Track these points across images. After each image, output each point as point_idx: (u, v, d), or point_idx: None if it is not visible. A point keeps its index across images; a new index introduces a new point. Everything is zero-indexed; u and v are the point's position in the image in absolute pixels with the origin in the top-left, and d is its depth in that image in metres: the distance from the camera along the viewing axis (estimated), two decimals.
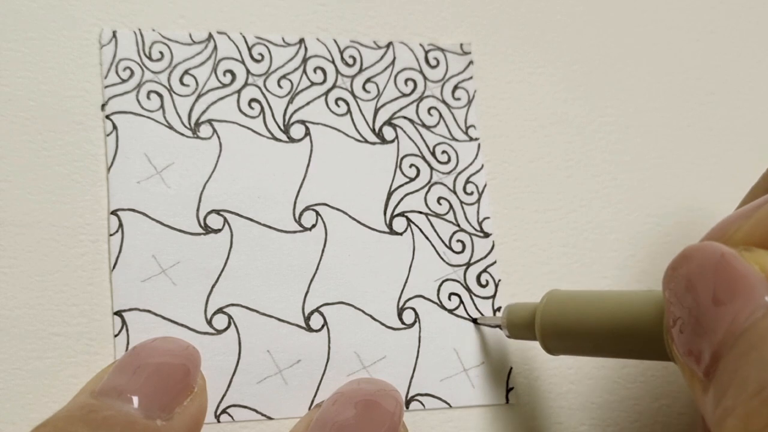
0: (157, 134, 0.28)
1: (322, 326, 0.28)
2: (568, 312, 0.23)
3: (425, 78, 0.31)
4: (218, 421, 0.26)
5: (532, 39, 0.33)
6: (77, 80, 0.28)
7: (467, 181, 0.31)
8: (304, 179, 0.29)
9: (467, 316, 0.29)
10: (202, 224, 0.28)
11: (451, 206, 0.30)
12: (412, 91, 0.31)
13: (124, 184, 0.27)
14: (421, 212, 0.30)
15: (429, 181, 0.30)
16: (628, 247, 0.32)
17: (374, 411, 0.24)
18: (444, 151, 0.31)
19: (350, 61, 0.31)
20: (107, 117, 0.28)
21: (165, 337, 0.26)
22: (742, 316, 0.15)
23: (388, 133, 0.30)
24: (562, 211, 0.32)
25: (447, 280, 0.29)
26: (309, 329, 0.28)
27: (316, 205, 0.29)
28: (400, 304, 0.29)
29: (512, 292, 0.30)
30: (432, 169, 0.30)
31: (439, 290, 0.29)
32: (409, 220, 0.30)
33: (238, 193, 0.28)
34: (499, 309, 0.29)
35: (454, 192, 0.30)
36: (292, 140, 0.29)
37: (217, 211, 0.28)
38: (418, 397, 0.28)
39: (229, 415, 0.26)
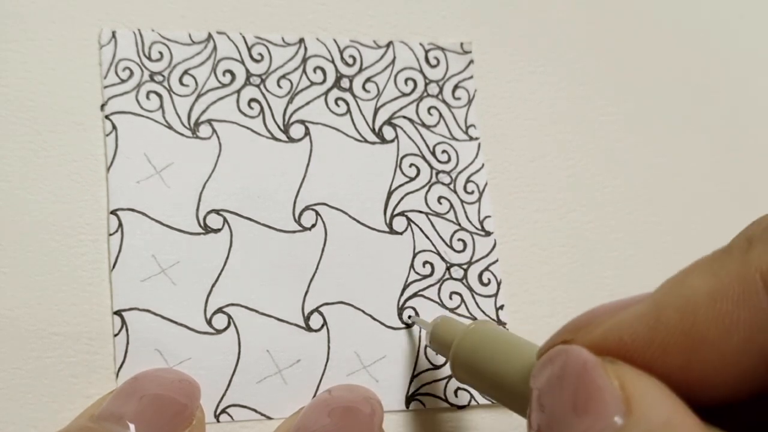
0: (156, 134, 0.28)
1: (322, 326, 0.28)
2: (481, 352, 0.23)
3: (425, 77, 0.31)
4: (218, 421, 0.26)
5: (533, 38, 0.33)
6: (77, 80, 0.28)
7: (468, 181, 0.31)
8: (303, 179, 0.29)
9: (469, 315, 0.29)
10: (202, 224, 0.28)
11: (451, 205, 0.30)
12: (412, 91, 0.31)
13: (123, 183, 0.27)
14: (421, 211, 0.30)
15: (429, 181, 0.30)
16: (628, 247, 0.32)
17: (351, 418, 0.24)
18: (444, 151, 0.31)
19: (350, 61, 0.31)
20: (107, 117, 0.28)
21: (168, 368, 0.26)
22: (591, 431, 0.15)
23: (388, 132, 0.30)
24: (562, 211, 0.31)
25: (448, 279, 0.29)
26: (309, 329, 0.28)
27: (315, 204, 0.29)
28: (400, 304, 0.29)
29: (512, 291, 0.30)
30: (432, 168, 0.30)
31: (440, 289, 0.29)
32: (409, 219, 0.30)
33: (238, 193, 0.28)
34: (501, 307, 0.29)
35: (455, 191, 0.30)
36: (291, 140, 0.29)
37: (217, 211, 0.28)
38: (418, 397, 0.28)
39: (229, 414, 0.26)
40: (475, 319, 0.29)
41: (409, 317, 0.28)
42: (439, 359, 0.28)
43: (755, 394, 0.16)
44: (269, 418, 0.27)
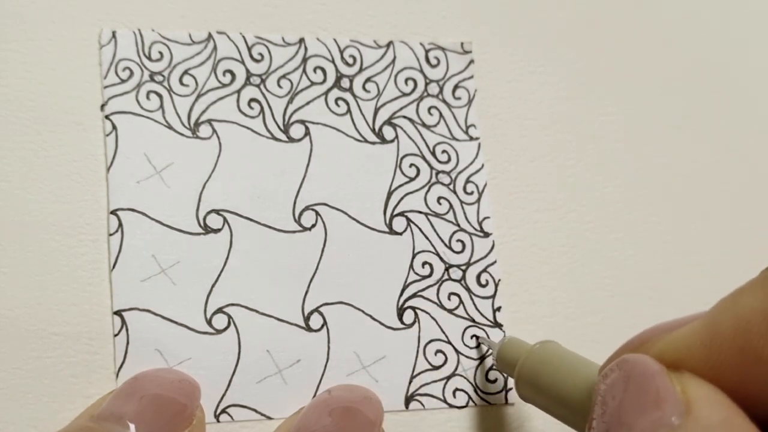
0: (156, 134, 0.28)
1: (322, 326, 0.28)
2: (544, 370, 0.24)
3: (425, 77, 0.31)
4: (218, 421, 0.26)
5: (533, 38, 0.33)
6: (77, 80, 0.28)
7: (467, 181, 0.31)
8: (303, 179, 0.29)
9: (466, 316, 0.29)
10: (202, 224, 0.28)
11: (451, 206, 0.30)
12: (413, 91, 0.31)
13: (123, 183, 0.27)
14: (420, 212, 0.30)
15: (429, 181, 0.30)
16: (628, 247, 0.32)
17: (352, 418, 0.24)
18: (444, 151, 0.31)
19: (350, 61, 0.31)
20: (107, 117, 0.28)
21: (168, 368, 0.26)
22: (648, 429, 0.16)
23: (388, 132, 0.30)
24: (562, 211, 0.31)
25: (447, 280, 0.29)
26: (309, 329, 0.28)
27: (315, 204, 0.29)
28: (400, 304, 0.29)
29: (512, 292, 0.30)
30: (432, 168, 0.30)
31: (438, 290, 0.29)
32: (408, 219, 0.30)
33: (238, 192, 0.28)
34: (499, 309, 0.29)
35: (454, 192, 0.30)
36: (291, 140, 0.29)
37: (217, 211, 0.28)
38: (417, 397, 0.28)
39: (229, 414, 0.26)
40: (473, 320, 0.29)
41: (477, 337, 0.29)
42: (438, 360, 0.28)
43: None
44: (269, 418, 0.27)
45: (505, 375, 0.28)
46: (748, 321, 0.16)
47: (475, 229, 0.30)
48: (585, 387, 0.21)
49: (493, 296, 0.30)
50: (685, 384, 0.16)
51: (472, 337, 0.29)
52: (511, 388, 0.29)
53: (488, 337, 0.29)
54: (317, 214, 0.29)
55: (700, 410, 0.16)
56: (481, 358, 0.29)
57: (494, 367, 0.28)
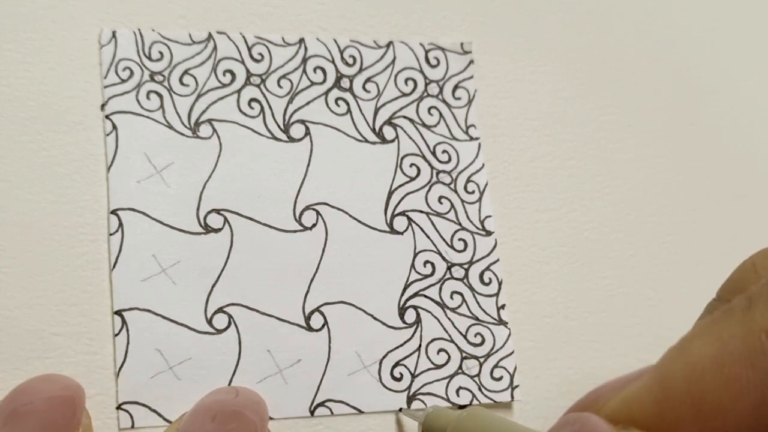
0: (156, 134, 0.28)
1: (323, 326, 0.28)
2: None
3: (425, 77, 0.31)
4: None
5: (533, 38, 0.33)
6: (77, 80, 0.28)
7: (468, 180, 0.31)
8: (304, 179, 0.29)
9: (470, 314, 0.29)
10: (202, 224, 0.28)
11: (452, 205, 0.30)
12: (413, 91, 0.31)
13: (123, 183, 0.27)
14: (422, 211, 0.30)
15: (430, 181, 0.30)
16: (628, 247, 0.32)
17: (234, 422, 0.24)
18: (444, 151, 0.31)
19: (350, 61, 0.31)
20: (107, 117, 0.28)
21: (48, 377, 0.24)
22: None
23: (389, 132, 0.30)
24: (562, 211, 0.31)
25: (449, 278, 0.29)
26: (309, 329, 0.28)
27: (316, 204, 0.29)
28: (401, 304, 0.29)
29: (512, 292, 0.30)
30: (432, 168, 0.30)
31: (440, 289, 0.29)
32: (410, 219, 0.30)
33: (238, 192, 0.28)
34: (503, 307, 0.29)
35: (455, 191, 0.30)
36: (292, 140, 0.29)
37: (217, 211, 0.28)
38: (420, 396, 0.28)
39: None
40: (477, 318, 0.29)
41: (400, 409, 0.28)
42: (441, 359, 0.28)
43: None
44: (270, 418, 0.26)
45: None
46: (700, 370, 0.15)
47: (477, 228, 0.30)
48: None
49: (497, 294, 0.29)
50: None
51: (476, 335, 0.29)
52: (517, 386, 0.29)
53: (409, 410, 0.28)
54: (318, 213, 0.29)
55: None
56: (487, 356, 0.29)
57: None
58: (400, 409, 0.28)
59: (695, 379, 0.15)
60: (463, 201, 0.30)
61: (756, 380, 0.15)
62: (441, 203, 0.30)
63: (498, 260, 0.30)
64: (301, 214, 0.29)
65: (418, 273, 0.29)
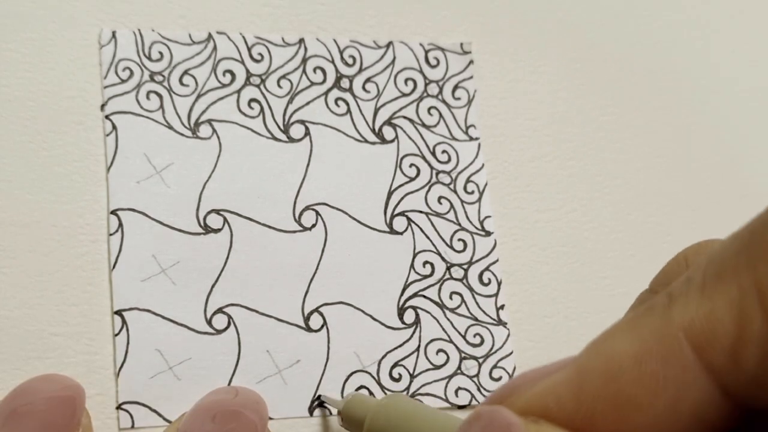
0: (156, 134, 0.28)
1: (322, 326, 0.28)
2: (396, 425, 0.23)
3: (425, 77, 0.31)
4: None
5: (533, 38, 0.33)
6: (77, 80, 0.28)
7: (468, 181, 0.31)
8: (303, 179, 0.29)
9: (469, 315, 0.29)
10: (202, 224, 0.28)
11: (451, 205, 0.30)
12: (412, 91, 0.31)
13: (123, 183, 0.27)
14: (421, 212, 0.30)
15: (429, 181, 0.30)
16: (628, 247, 0.32)
17: (234, 422, 0.24)
18: (444, 151, 0.31)
19: (350, 61, 0.31)
20: (107, 117, 0.28)
21: (50, 377, 0.25)
22: None
23: (388, 132, 0.30)
24: (562, 211, 0.31)
25: (448, 279, 0.29)
26: (308, 329, 0.28)
27: (316, 204, 0.29)
28: (401, 304, 0.29)
29: (512, 291, 0.30)
30: (432, 168, 0.30)
31: (440, 289, 0.29)
32: (409, 219, 0.30)
33: (238, 192, 0.28)
34: (502, 307, 0.29)
35: (455, 191, 0.30)
36: (291, 140, 0.29)
37: (217, 211, 0.28)
38: (419, 396, 0.28)
39: None
40: (476, 319, 0.29)
41: (319, 396, 0.27)
42: (440, 359, 0.28)
43: None
44: (270, 418, 0.26)
45: None
46: (618, 366, 0.15)
47: (477, 228, 0.30)
48: None
49: (496, 294, 0.30)
50: None
51: (475, 336, 0.29)
52: None
53: (330, 397, 0.27)
54: (317, 213, 0.29)
55: None
56: (486, 356, 0.29)
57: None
58: (320, 396, 0.27)
59: (613, 374, 0.15)
60: (462, 201, 0.30)
61: (674, 377, 0.15)
62: (440, 203, 0.30)
63: (497, 260, 0.30)
64: (301, 214, 0.29)
65: (418, 273, 0.29)
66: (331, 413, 0.27)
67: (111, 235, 0.27)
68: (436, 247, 0.29)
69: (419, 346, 0.28)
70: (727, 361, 0.14)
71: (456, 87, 0.31)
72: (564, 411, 0.16)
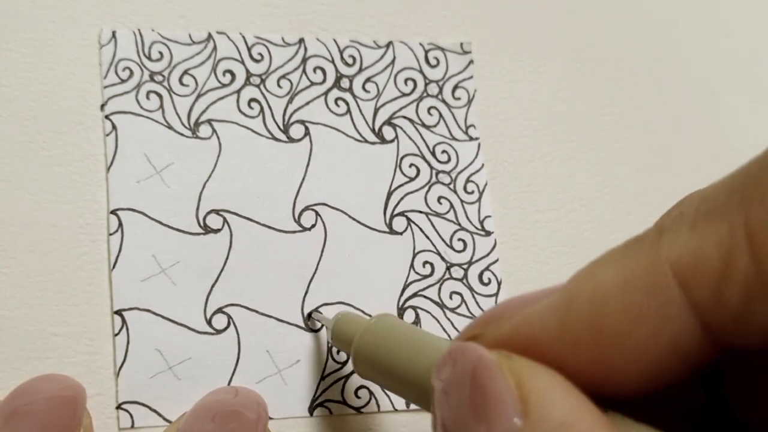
0: (156, 134, 0.28)
1: (322, 326, 0.28)
2: (384, 347, 0.22)
3: (425, 77, 0.31)
4: None
5: (533, 38, 0.33)
6: (77, 80, 0.28)
7: (468, 181, 0.31)
8: (303, 179, 0.29)
9: (469, 315, 0.29)
10: (202, 224, 0.28)
11: (451, 205, 0.30)
12: (412, 91, 0.31)
13: (123, 184, 0.27)
14: (421, 212, 0.30)
15: (429, 181, 0.30)
16: None
17: (234, 422, 0.23)
18: (444, 151, 0.31)
19: (350, 61, 0.31)
20: (107, 117, 0.28)
21: (50, 377, 0.24)
22: None
23: (388, 132, 0.30)
24: (562, 211, 0.31)
25: (448, 279, 0.29)
26: (308, 329, 0.28)
27: (315, 205, 0.29)
28: (401, 304, 0.29)
29: (512, 291, 0.30)
30: (432, 168, 0.30)
31: (440, 289, 0.29)
32: (409, 219, 0.30)
33: (238, 193, 0.28)
34: None
35: (455, 191, 0.30)
36: (291, 140, 0.29)
37: (217, 211, 0.28)
38: None
39: None
40: (474, 317, 0.29)
41: (311, 313, 0.27)
42: None
43: (667, 384, 0.15)
44: (270, 418, 0.26)
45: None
46: (604, 294, 0.15)
47: (477, 228, 0.30)
48: (428, 364, 0.19)
49: (496, 294, 0.30)
50: (521, 375, 0.15)
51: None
52: None
53: (321, 315, 0.27)
54: (317, 214, 0.29)
55: (538, 409, 0.14)
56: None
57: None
58: (310, 314, 0.27)
59: (598, 302, 0.15)
60: (462, 201, 0.30)
61: (656, 308, 0.15)
62: (440, 203, 0.30)
63: (497, 260, 0.30)
64: (301, 214, 0.29)
65: (417, 273, 0.29)
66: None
67: (111, 235, 0.27)
68: (435, 247, 0.29)
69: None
70: (711, 297, 0.14)
71: (456, 87, 0.31)
72: (548, 337, 0.16)
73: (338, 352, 0.28)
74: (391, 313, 0.24)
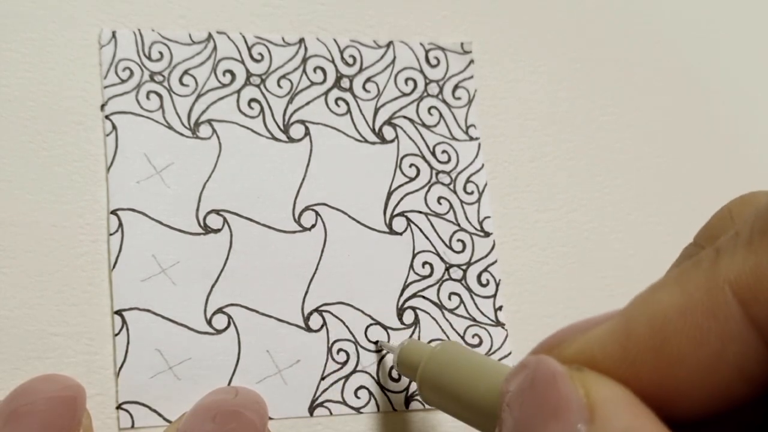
0: (156, 134, 0.28)
1: (322, 326, 0.28)
2: (448, 373, 0.23)
3: (425, 77, 0.31)
4: None
5: (533, 38, 0.33)
6: (77, 80, 0.28)
7: (467, 181, 0.31)
8: (303, 179, 0.29)
9: (467, 316, 0.29)
10: (202, 224, 0.28)
11: (451, 206, 0.30)
12: (413, 91, 0.31)
13: (123, 184, 0.27)
14: (421, 212, 0.30)
15: (429, 181, 0.30)
16: (628, 247, 0.32)
17: (234, 422, 0.24)
18: (444, 151, 0.31)
19: (350, 61, 0.31)
20: (107, 117, 0.28)
21: (49, 377, 0.25)
22: None
23: (388, 132, 0.30)
24: (562, 211, 0.31)
25: (447, 279, 0.29)
26: (308, 329, 0.28)
27: (315, 205, 0.29)
28: (400, 305, 0.29)
29: (512, 292, 0.30)
30: (432, 168, 0.30)
31: (439, 290, 0.29)
32: (408, 219, 0.30)
33: (238, 193, 0.28)
34: (500, 308, 0.29)
35: (455, 192, 0.30)
36: (291, 140, 0.29)
37: (217, 211, 0.28)
38: (417, 397, 0.28)
39: None
40: (474, 320, 0.29)
41: (377, 342, 0.28)
42: None
43: (732, 406, 0.15)
44: (270, 418, 0.27)
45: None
46: (664, 318, 0.15)
47: (476, 229, 0.30)
48: (492, 389, 0.20)
49: (494, 295, 0.30)
50: (589, 386, 0.16)
51: (473, 336, 0.29)
52: None
53: (386, 343, 0.28)
54: (317, 214, 0.29)
55: (603, 416, 0.15)
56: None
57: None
58: (377, 342, 0.28)
59: (659, 325, 0.15)
60: (462, 202, 0.30)
61: (717, 330, 0.15)
62: (440, 204, 0.30)
63: (496, 261, 0.30)
64: (301, 214, 0.29)
65: (417, 274, 0.29)
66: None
67: (111, 235, 0.27)
68: (435, 248, 0.29)
69: None
70: None
71: (456, 87, 0.31)
72: (610, 360, 0.16)
73: (338, 353, 0.28)
74: (455, 341, 0.24)
